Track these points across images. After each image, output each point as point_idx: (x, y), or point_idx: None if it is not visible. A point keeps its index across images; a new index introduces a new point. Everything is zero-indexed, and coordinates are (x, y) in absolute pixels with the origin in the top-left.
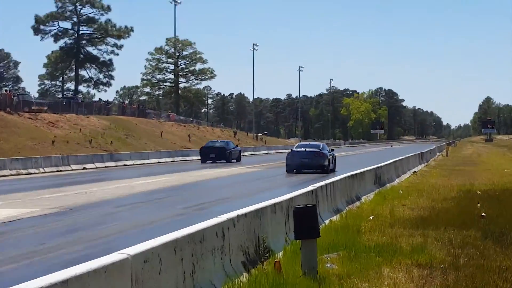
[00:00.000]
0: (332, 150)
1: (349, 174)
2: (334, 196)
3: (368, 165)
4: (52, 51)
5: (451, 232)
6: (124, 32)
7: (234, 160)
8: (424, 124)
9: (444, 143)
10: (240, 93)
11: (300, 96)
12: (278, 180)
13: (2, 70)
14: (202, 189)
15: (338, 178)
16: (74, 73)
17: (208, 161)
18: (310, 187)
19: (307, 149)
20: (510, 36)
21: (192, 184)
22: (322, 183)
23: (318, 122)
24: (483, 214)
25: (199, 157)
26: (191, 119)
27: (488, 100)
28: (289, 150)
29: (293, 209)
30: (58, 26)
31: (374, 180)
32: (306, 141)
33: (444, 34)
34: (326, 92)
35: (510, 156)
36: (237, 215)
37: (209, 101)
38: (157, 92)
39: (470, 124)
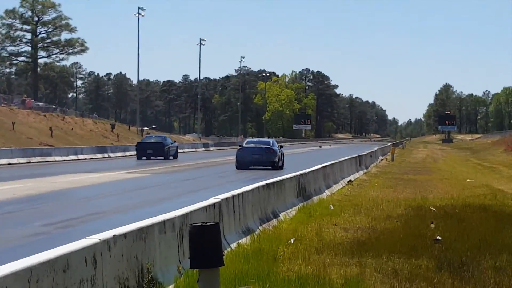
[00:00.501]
0: (281, 146)
1: (263, 183)
2: (244, 211)
3: (288, 171)
4: None
5: (396, 260)
6: None
7: (171, 157)
8: (363, 119)
9: (389, 144)
10: (120, 73)
11: (201, 78)
12: (192, 185)
13: None
14: (69, 201)
15: (249, 188)
16: None
17: (143, 158)
18: (212, 200)
19: (257, 146)
20: (472, 12)
21: (55, 193)
22: (228, 194)
23: (224, 114)
24: (438, 237)
25: (63, 157)
26: (53, 106)
27: (446, 88)
28: (239, 147)
29: (188, 229)
30: None
31: (296, 191)
32: (209, 138)
33: (389, 9)
34: (235, 74)
35: (474, 162)
36: (114, 235)
37: (79, 83)
38: (8, 70)
39: (423, 119)
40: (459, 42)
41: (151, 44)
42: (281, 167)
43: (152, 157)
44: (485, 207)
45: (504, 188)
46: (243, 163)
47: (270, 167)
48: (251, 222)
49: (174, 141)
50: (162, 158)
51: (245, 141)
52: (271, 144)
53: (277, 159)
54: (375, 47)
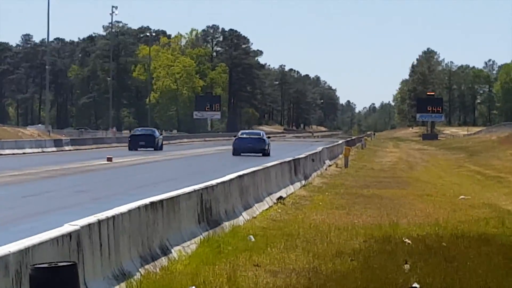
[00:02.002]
0: (269, 137)
1: (146, 201)
2: (117, 245)
3: (186, 183)
4: None
5: None
6: None
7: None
8: (302, 103)
9: (340, 142)
10: None
11: (51, 40)
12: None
13: None
14: None
15: (123, 209)
16: None
17: (138, 149)
18: (67, 227)
19: (250, 136)
20: None
21: None
22: (92, 218)
23: (87, 95)
24: (416, 285)
25: None
26: None
27: (428, 56)
28: (234, 137)
29: (29, 271)
30: None
31: (198, 214)
32: (64, 132)
33: None
34: (104, 34)
35: (471, 170)
36: None
37: None
38: None
39: (392, 104)
40: None
41: None
42: (269, 154)
43: (145, 149)
44: (487, 238)
45: None
46: (238, 150)
47: (261, 154)
48: (128, 261)
49: (161, 134)
50: (152, 149)
51: (239, 133)
52: (261, 135)
53: (266, 147)
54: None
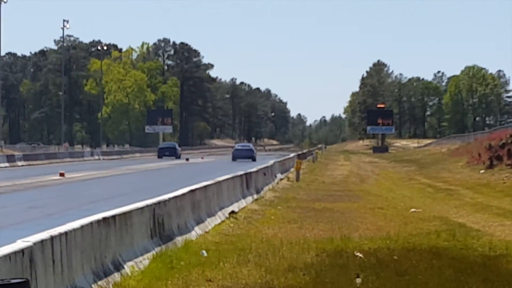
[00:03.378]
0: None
1: (98, 216)
2: (70, 261)
3: (138, 198)
4: None
5: None
6: None
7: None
8: (253, 116)
9: (292, 155)
10: None
11: (2, 55)
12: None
13: None
14: None
15: (76, 224)
16: None
17: (164, 157)
18: (20, 243)
19: (244, 148)
20: None
21: None
22: (45, 234)
23: (39, 110)
24: None
25: None
26: None
27: (378, 68)
28: (233, 149)
29: None
30: None
31: (150, 229)
32: (16, 148)
33: None
34: (55, 48)
35: (422, 182)
36: None
37: None
38: None
39: (343, 116)
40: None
41: None
42: (255, 160)
43: (169, 157)
44: (438, 251)
45: (467, 221)
46: (236, 157)
47: (251, 160)
48: (81, 278)
49: (179, 146)
50: (174, 157)
51: (236, 145)
52: (251, 147)
53: (254, 155)
54: (266, 8)
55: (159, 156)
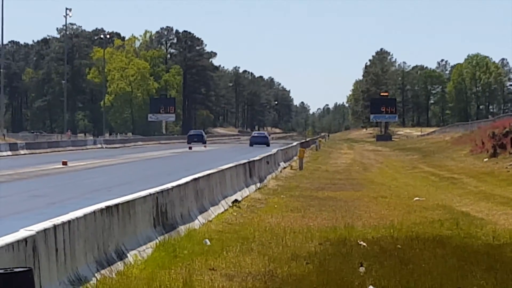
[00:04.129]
0: (269, 134)
1: (101, 205)
2: (73, 250)
3: (141, 187)
4: None
5: None
6: None
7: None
8: (256, 104)
9: (295, 144)
10: None
11: (5, 43)
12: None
13: None
14: None
15: (79, 213)
16: None
17: (193, 142)
18: (22, 232)
19: (260, 135)
20: None
21: None
22: (48, 223)
23: (42, 98)
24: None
25: None
26: None
27: (381, 57)
28: (250, 136)
29: None
30: None
31: (153, 218)
32: (19, 136)
33: None
34: (58, 36)
35: (425, 171)
36: None
37: None
38: None
39: (346, 105)
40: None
41: None
42: (269, 145)
43: (195, 143)
44: (442, 240)
45: (471, 210)
46: (253, 143)
47: (266, 145)
48: (84, 267)
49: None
50: (201, 143)
51: (253, 133)
52: (265, 135)
53: (268, 141)
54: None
55: (189, 142)
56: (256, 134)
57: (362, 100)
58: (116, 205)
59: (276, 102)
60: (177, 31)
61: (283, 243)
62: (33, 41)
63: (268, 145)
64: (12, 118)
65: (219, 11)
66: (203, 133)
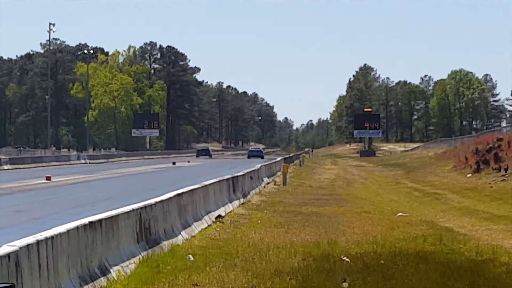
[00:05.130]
0: (264, 149)
1: (84, 221)
2: (56, 265)
3: (124, 202)
4: None
5: None
6: None
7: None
8: (240, 120)
9: (279, 159)
10: None
11: None
12: None
13: None
14: None
15: (62, 229)
16: None
17: (200, 156)
18: (5, 248)
19: (256, 149)
20: None
21: None
22: (31, 239)
23: (25, 113)
24: None
25: None
26: None
27: (365, 72)
28: (247, 150)
29: None
30: None
31: (136, 233)
32: (3, 151)
33: None
34: (41, 51)
35: (409, 187)
36: None
37: None
38: None
39: (330, 121)
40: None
41: None
42: (263, 158)
43: (202, 157)
44: (425, 255)
45: (454, 225)
46: (250, 156)
47: (260, 158)
48: (67, 282)
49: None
50: (208, 157)
51: (250, 147)
52: (260, 149)
53: (263, 154)
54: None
55: (197, 156)
56: (252, 149)
57: (346, 116)
58: (100, 221)
59: (259, 118)
60: (160, 46)
61: (267, 259)
62: (16, 56)
63: (262, 157)
64: None
65: (202, 26)
66: (209, 148)
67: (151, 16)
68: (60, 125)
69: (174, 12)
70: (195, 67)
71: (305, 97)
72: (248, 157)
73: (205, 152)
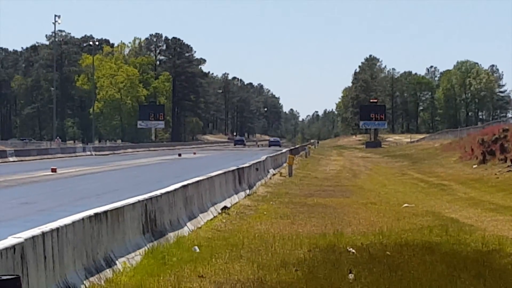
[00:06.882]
0: (280, 139)
1: (90, 212)
2: (61, 257)
3: (130, 194)
4: None
5: None
6: None
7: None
8: (245, 111)
9: (284, 151)
10: None
11: None
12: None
13: None
14: None
15: (67, 220)
16: None
17: (237, 145)
18: (10, 240)
19: (275, 140)
20: None
21: None
22: (36, 230)
23: (31, 105)
24: None
25: None
26: None
27: (371, 63)
28: (269, 140)
29: None
30: None
31: (142, 224)
32: (8, 143)
33: None
34: (47, 43)
35: (414, 177)
36: None
37: None
38: None
39: (336, 112)
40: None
41: None
42: (281, 146)
43: (238, 145)
44: (431, 246)
45: (460, 216)
46: (271, 145)
47: (279, 146)
48: (73, 274)
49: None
50: (243, 146)
51: (271, 139)
52: (279, 140)
53: (281, 145)
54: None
55: (235, 145)
56: (272, 139)
57: (352, 107)
58: (105, 212)
59: (265, 109)
60: (166, 37)
61: (272, 250)
62: (22, 48)
63: (280, 146)
64: (1, 125)
65: (208, 18)
66: (244, 139)
67: (157, 8)
68: (65, 117)
69: (180, 4)
70: (201, 58)
71: (310, 89)
72: (269, 146)
73: (241, 142)
